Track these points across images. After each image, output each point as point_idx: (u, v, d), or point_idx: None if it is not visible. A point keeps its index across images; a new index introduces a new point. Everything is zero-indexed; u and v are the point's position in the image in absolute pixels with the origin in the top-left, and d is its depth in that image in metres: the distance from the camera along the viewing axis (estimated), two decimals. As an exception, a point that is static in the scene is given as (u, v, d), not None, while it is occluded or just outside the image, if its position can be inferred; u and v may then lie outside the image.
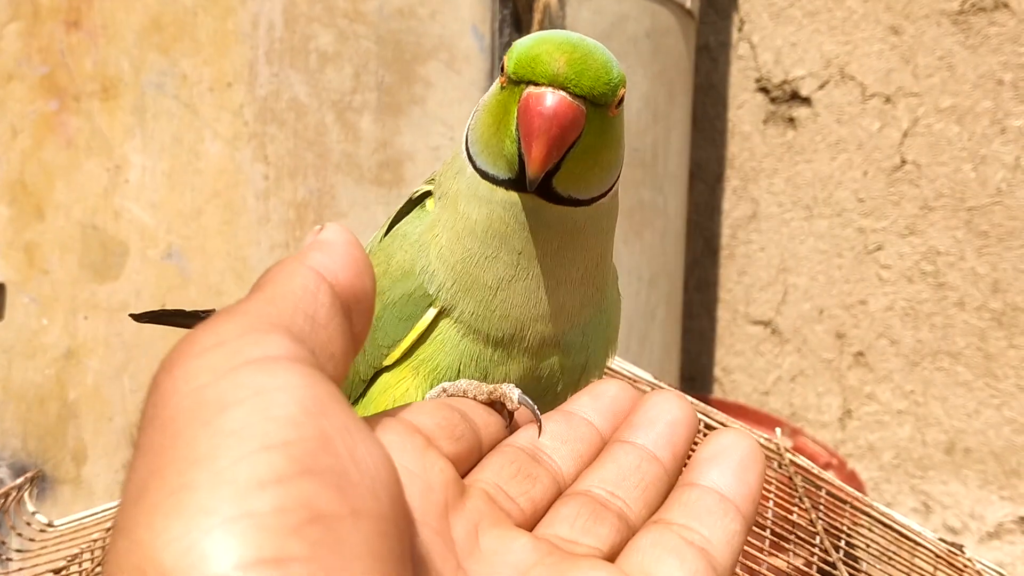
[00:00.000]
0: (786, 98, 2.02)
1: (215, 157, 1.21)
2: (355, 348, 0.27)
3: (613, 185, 0.46)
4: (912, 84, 1.90)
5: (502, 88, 0.43)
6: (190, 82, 1.20)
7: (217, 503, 0.19)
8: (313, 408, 0.22)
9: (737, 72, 2.08)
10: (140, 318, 0.66)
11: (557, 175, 0.42)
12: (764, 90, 2.05)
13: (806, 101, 2.00)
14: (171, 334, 1.17)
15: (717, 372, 2.13)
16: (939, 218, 1.89)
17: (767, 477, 0.86)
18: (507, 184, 0.43)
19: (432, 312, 0.45)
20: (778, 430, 0.91)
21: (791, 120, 2.02)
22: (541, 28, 1.26)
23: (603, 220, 0.46)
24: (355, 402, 0.50)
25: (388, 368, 0.47)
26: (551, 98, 0.39)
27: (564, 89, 0.40)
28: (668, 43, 1.55)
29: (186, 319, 0.66)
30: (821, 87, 1.98)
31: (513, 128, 0.42)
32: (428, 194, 0.49)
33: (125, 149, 1.20)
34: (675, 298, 1.74)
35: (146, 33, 1.20)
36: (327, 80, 1.22)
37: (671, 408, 0.34)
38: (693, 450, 0.34)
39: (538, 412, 0.36)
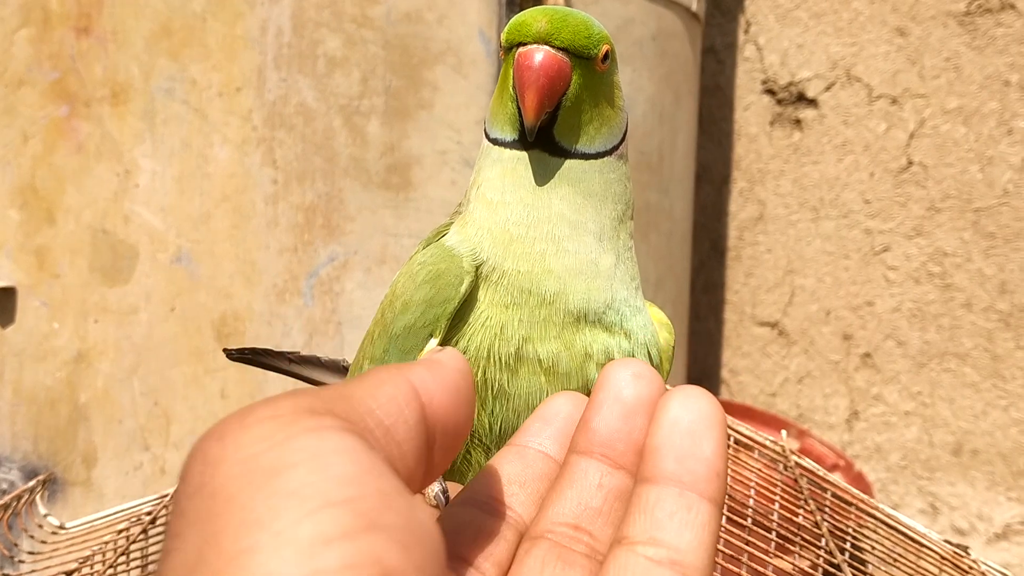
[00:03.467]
0: (792, 100, 2.03)
1: (224, 162, 1.21)
2: (425, 478, 0.26)
3: (618, 146, 0.50)
4: (918, 85, 1.90)
5: (503, 62, 0.48)
6: (199, 87, 1.21)
7: (281, 564, 0.19)
8: (371, 468, 0.21)
9: (743, 74, 2.08)
10: (232, 355, 0.66)
11: (556, 126, 0.47)
12: (770, 92, 2.05)
13: (812, 103, 2.00)
14: (181, 338, 1.18)
15: (724, 374, 2.13)
16: (946, 219, 1.89)
17: (772, 480, 0.86)
18: (514, 145, 0.48)
19: (433, 342, 0.46)
20: (783, 432, 0.92)
21: (797, 122, 2.02)
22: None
23: (615, 185, 0.49)
24: None
25: None
26: (536, 51, 0.45)
27: (548, 43, 0.45)
28: (674, 46, 1.56)
29: (275, 359, 0.66)
30: (827, 89, 1.99)
31: (511, 88, 0.47)
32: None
33: (135, 154, 1.21)
34: (681, 300, 1.74)
35: (155, 39, 1.21)
36: (335, 85, 1.23)
37: (626, 392, 0.30)
38: None
39: (441, 496, 0.35)
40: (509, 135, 0.48)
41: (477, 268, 0.47)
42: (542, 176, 0.47)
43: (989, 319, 1.86)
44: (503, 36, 0.47)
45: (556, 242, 0.46)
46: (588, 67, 0.47)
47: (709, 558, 0.27)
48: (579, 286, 0.46)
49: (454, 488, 0.34)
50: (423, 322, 0.46)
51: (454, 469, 0.47)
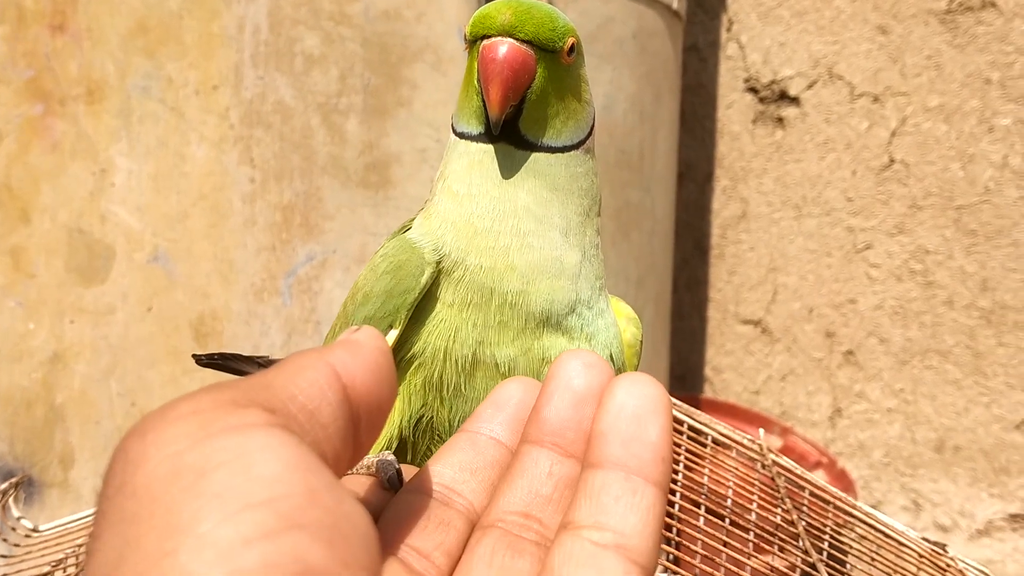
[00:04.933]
0: (775, 98, 2.03)
1: (201, 160, 1.21)
2: (355, 457, 0.26)
3: (585, 140, 0.49)
4: (900, 83, 1.91)
5: (468, 54, 0.48)
6: (176, 85, 1.20)
7: (201, 566, 0.19)
8: (297, 464, 0.21)
9: (726, 72, 2.08)
10: (201, 360, 0.66)
11: (522, 119, 0.47)
12: (753, 90, 2.05)
13: (795, 101, 2.01)
14: (158, 338, 1.17)
15: (707, 371, 2.13)
16: (928, 217, 1.90)
17: (750, 479, 0.86)
18: (480, 138, 0.48)
19: (394, 334, 0.46)
20: (761, 431, 0.91)
21: (780, 120, 2.03)
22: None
23: (581, 179, 0.49)
24: None
25: None
26: (500, 43, 0.45)
27: (512, 36, 0.45)
28: (655, 44, 1.56)
29: (244, 364, 0.65)
30: (809, 87, 1.99)
31: (476, 82, 0.47)
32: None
33: (111, 152, 1.20)
34: (663, 298, 1.74)
35: (131, 36, 1.20)
36: (313, 82, 1.22)
37: (576, 382, 0.30)
38: None
39: (395, 479, 0.34)
40: (475, 128, 0.48)
41: (438, 261, 0.46)
42: (508, 169, 0.47)
43: (971, 316, 1.87)
44: (467, 29, 0.47)
45: (521, 237, 0.46)
46: (553, 60, 0.47)
47: (654, 542, 0.27)
48: (542, 286, 0.46)
49: (411, 473, 0.34)
50: (383, 313, 0.46)
51: (414, 463, 0.47)
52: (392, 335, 0.46)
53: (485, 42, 0.45)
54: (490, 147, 0.47)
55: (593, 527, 0.26)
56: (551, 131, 0.48)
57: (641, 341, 0.51)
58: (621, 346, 0.50)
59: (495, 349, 0.46)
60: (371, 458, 0.36)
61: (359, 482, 0.33)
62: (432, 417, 0.46)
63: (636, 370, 0.51)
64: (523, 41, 0.45)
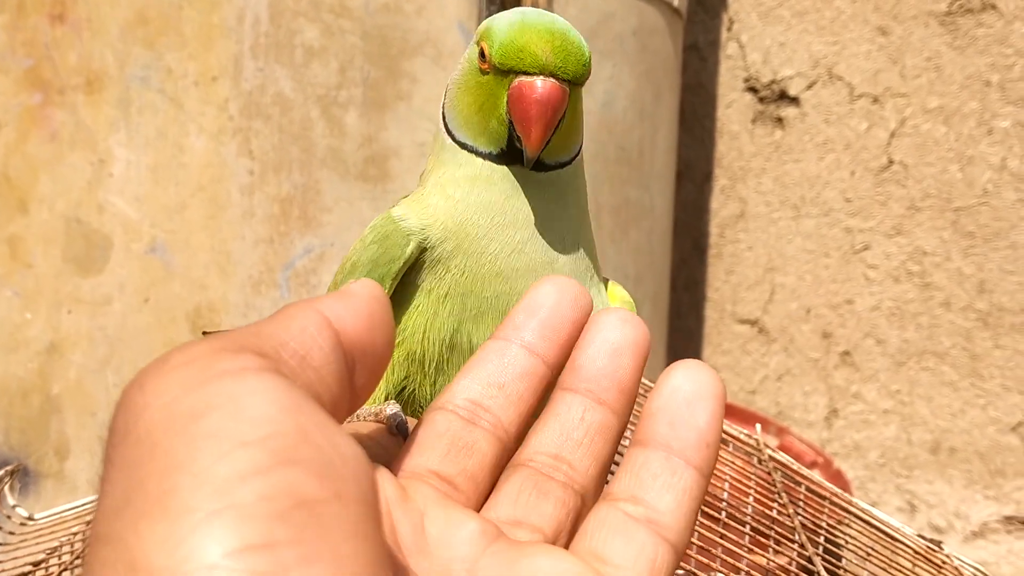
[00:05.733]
0: (774, 98, 2.03)
1: (200, 151, 1.20)
2: (353, 401, 0.26)
3: (581, 146, 0.51)
4: (900, 85, 1.91)
5: (483, 73, 0.47)
6: (175, 76, 1.20)
7: (199, 500, 0.20)
8: (289, 406, 0.22)
9: (726, 72, 2.08)
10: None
11: (546, 150, 0.47)
12: (752, 90, 2.05)
13: (794, 101, 2.01)
14: (155, 329, 1.17)
15: (704, 371, 2.13)
16: (926, 218, 1.90)
17: (747, 474, 0.86)
18: (491, 157, 0.48)
19: None
20: (758, 426, 0.92)
21: (779, 120, 2.03)
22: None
23: (578, 179, 0.50)
24: None
25: None
26: (544, 86, 0.44)
27: (554, 76, 0.45)
28: (655, 42, 1.56)
29: None
30: (809, 87, 1.99)
31: (502, 111, 0.46)
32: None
33: (109, 143, 1.20)
34: (661, 297, 1.74)
35: (131, 27, 1.20)
36: (312, 75, 1.22)
37: (612, 334, 0.31)
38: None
39: (404, 425, 0.35)
40: (485, 147, 0.48)
41: (421, 243, 0.47)
42: (517, 187, 0.47)
43: (967, 318, 1.87)
44: (495, 55, 0.46)
45: (515, 245, 0.47)
46: (577, 91, 0.47)
47: (687, 523, 0.28)
48: (523, 285, 0.47)
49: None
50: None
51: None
52: None
53: (524, 79, 0.45)
54: (503, 168, 0.48)
55: (629, 500, 0.28)
56: (564, 151, 0.49)
57: None
58: None
59: (472, 336, 0.46)
60: (377, 407, 0.37)
61: (369, 428, 0.34)
62: (415, 390, 0.47)
63: None
64: (563, 80, 0.45)
